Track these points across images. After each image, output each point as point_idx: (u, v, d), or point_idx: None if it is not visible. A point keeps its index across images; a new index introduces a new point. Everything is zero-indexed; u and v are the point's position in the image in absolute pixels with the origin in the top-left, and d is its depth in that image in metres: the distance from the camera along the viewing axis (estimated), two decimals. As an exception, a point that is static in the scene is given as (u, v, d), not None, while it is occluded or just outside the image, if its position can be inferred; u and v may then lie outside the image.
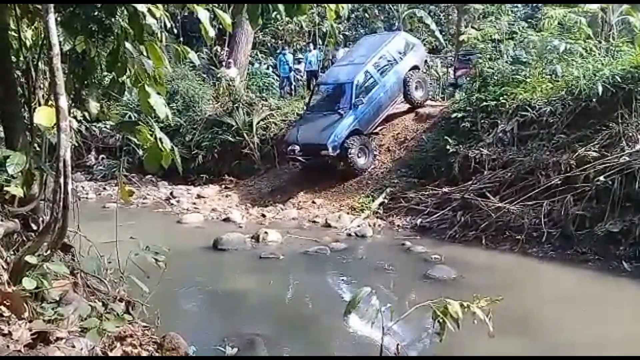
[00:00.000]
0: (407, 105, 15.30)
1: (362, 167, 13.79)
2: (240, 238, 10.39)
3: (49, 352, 2.78)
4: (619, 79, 10.22)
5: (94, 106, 4.75)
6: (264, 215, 12.81)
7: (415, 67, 15.09)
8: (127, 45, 4.23)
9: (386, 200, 12.54)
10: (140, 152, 9.77)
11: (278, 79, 20.84)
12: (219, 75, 19.08)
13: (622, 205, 9.01)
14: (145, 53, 4.33)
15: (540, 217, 9.65)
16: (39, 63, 4.67)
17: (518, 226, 9.85)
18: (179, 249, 8.31)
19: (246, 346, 5.90)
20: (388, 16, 26.48)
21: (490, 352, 5.35)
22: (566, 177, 9.90)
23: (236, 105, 16.95)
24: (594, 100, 10.45)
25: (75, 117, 5.00)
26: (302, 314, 7.32)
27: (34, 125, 4.20)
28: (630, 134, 9.86)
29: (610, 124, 10.15)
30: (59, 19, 4.08)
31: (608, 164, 9.47)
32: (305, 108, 15.53)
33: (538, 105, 11.48)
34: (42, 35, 4.38)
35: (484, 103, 12.28)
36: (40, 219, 4.37)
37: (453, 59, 20.28)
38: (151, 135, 4.40)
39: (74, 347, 2.99)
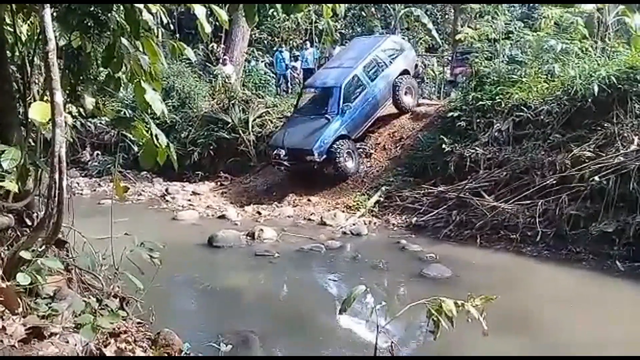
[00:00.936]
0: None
1: (350, 172, 13.57)
2: (235, 235, 10.38)
3: (43, 347, 2.78)
4: (614, 80, 10.24)
5: (89, 102, 4.73)
6: (259, 213, 12.80)
7: (405, 72, 14.85)
8: (123, 40, 4.23)
9: (382, 199, 12.54)
10: (136, 149, 9.75)
11: (275, 76, 20.83)
12: (215, 72, 19.04)
13: (617, 206, 9.06)
14: (141, 49, 4.33)
15: (535, 216, 9.68)
16: (34, 58, 4.66)
17: (513, 225, 9.88)
18: (174, 246, 8.29)
19: (241, 343, 5.90)
20: (385, 15, 26.47)
21: (484, 350, 5.37)
22: (561, 177, 9.94)
23: (232, 102, 16.92)
24: (589, 100, 10.47)
25: (70, 113, 4.98)
26: (297, 311, 7.32)
27: (29, 120, 4.19)
28: (625, 135, 9.90)
29: (606, 124, 10.19)
30: (54, 14, 4.07)
31: (603, 164, 9.51)
32: (292, 111, 15.31)
33: (534, 105, 11.50)
34: (38, 30, 4.36)
35: (480, 102, 12.29)
36: (35, 214, 4.36)
37: (450, 58, 20.31)
38: (147, 131, 4.40)
39: (68, 342, 2.98)
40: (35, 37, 4.62)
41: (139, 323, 4.58)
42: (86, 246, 5.10)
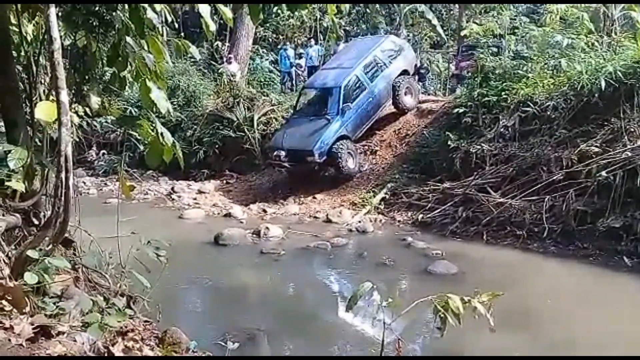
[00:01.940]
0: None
1: (351, 173, 13.48)
2: (241, 233, 10.41)
3: (50, 346, 2.78)
4: (621, 75, 10.17)
5: (95, 101, 4.75)
6: (264, 211, 12.80)
7: (404, 72, 14.72)
8: (128, 39, 4.23)
9: (387, 196, 12.53)
10: (142, 147, 9.75)
11: (279, 74, 20.82)
12: (220, 71, 19.05)
13: (624, 201, 9.01)
14: (146, 47, 4.33)
15: (542, 212, 9.64)
16: (40, 58, 4.67)
17: (519, 222, 9.84)
18: (180, 244, 8.32)
19: (247, 341, 5.91)
20: (389, 11, 26.43)
21: (491, 347, 5.36)
22: (568, 173, 9.88)
23: (237, 100, 16.91)
24: (596, 95, 10.41)
25: (76, 112, 5.00)
26: (303, 309, 7.33)
27: (35, 120, 4.20)
28: (632, 130, 9.83)
29: (612, 120, 10.12)
30: (59, 13, 4.08)
31: (610, 160, 9.45)
32: (292, 112, 15.22)
33: (540, 100, 11.43)
34: (43, 30, 4.38)
35: (486, 98, 12.24)
36: (42, 213, 4.37)
37: (456, 53, 20.24)
38: (152, 130, 4.40)
39: (75, 341, 2.99)
40: (41, 37, 4.64)
41: (146, 321, 4.59)
42: (93, 245, 5.13)
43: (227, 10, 4.47)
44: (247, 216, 12.43)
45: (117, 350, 3.24)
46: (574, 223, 9.28)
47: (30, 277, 3.45)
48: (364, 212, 12.06)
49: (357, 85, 13.92)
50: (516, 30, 14.34)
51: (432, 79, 21.01)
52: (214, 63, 20.93)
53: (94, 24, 4.26)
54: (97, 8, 4.17)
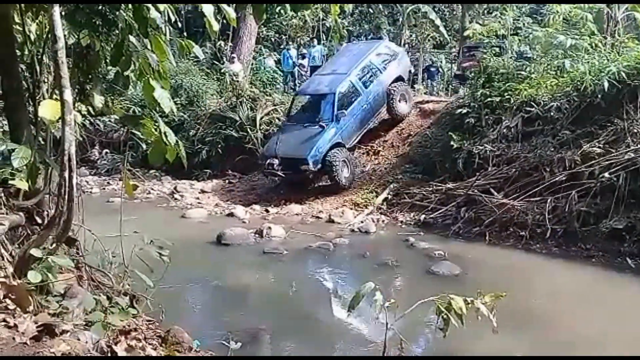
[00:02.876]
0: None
1: (346, 182, 13.11)
2: (243, 233, 10.41)
3: (54, 344, 2.79)
4: (624, 75, 10.15)
5: (98, 100, 4.75)
6: (267, 211, 12.80)
7: (399, 78, 14.52)
8: (132, 39, 4.23)
9: (390, 196, 12.51)
10: (144, 147, 9.76)
11: (282, 74, 20.84)
12: (222, 70, 19.06)
13: (627, 202, 9.00)
14: (149, 47, 4.33)
15: (545, 213, 9.62)
16: (44, 57, 4.68)
17: (522, 222, 9.83)
18: (182, 244, 8.32)
19: (250, 341, 5.92)
20: (392, 12, 26.43)
21: (493, 348, 5.36)
22: (571, 174, 9.86)
23: (240, 100, 16.92)
24: (599, 96, 10.38)
25: (79, 111, 5.00)
26: (306, 309, 7.33)
27: (39, 118, 4.21)
28: (636, 131, 9.81)
29: (615, 120, 10.10)
30: (63, 12, 4.08)
31: (613, 161, 9.44)
32: (285, 118, 14.99)
33: (543, 101, 11.41)
34: (47, 29, 4.38)
35: (489, 99, 12.22)
36: (45, 212, 4.38)
37: (458, 52, 20.23)
38: (155, 129, 4.41)
39: (79, 340, 2.99)
40: (44, 36, 4.64)
41: (148, 321, 4.60)
42: (96, 244, 5.14)
43: (230, 10, 4.47)
44: (249, 216, 12.42)
45: (120, 349, 3.25)
46: (576, 224, 9.26)
47: (33, 276, 3.46)
48: (366, 213, 12.05)
49: (352, 91, 13.73)
50: (519, 31, 14.31)
51: (436, 79, 21.00)
52: (217, 63, 20.94)
53: (98, 23, 4.25)
54: (100, 7, 4.17)
